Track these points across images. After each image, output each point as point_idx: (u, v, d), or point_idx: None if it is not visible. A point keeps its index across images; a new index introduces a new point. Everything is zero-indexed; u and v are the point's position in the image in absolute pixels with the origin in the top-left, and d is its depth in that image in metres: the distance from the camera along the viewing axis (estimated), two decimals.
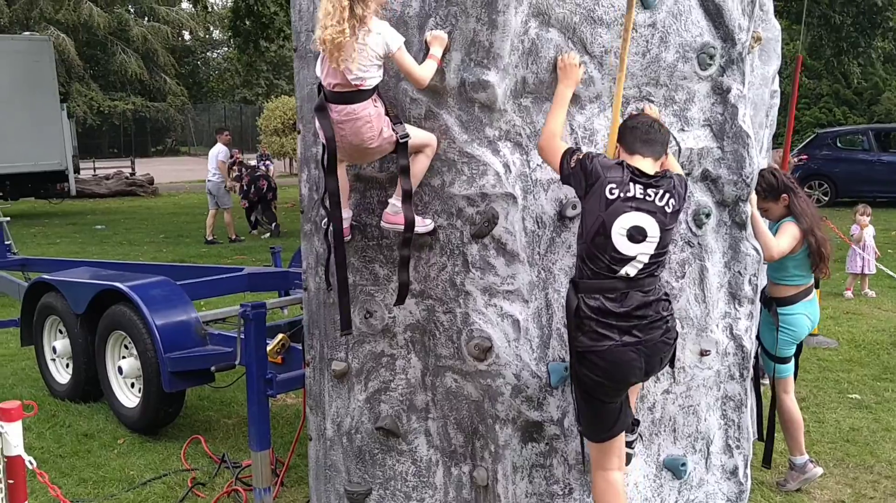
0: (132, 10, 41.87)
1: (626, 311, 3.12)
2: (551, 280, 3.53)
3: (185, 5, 36.56)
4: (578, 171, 3.18)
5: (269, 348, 4.54)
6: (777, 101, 4.74)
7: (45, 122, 18.01)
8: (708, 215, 3.89)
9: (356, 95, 3.25)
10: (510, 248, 3.43)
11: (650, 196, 3.15)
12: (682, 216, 3.81)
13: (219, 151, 13.70)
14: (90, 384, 5.66)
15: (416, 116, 3.50)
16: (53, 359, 6.01)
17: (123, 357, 5.35)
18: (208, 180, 13.98)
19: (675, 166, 3.48)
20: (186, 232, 15.35)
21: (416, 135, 3.40)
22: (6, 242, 8.70)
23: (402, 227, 3.38)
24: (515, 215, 3.45)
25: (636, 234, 3.12)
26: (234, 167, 15.03)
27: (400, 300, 3.48)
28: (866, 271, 9.20)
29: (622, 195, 3.12)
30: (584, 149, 3.39)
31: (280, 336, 4.74)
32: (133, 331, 5.10)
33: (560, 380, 3.48)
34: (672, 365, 3.46)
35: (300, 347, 4.45)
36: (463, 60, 3.42)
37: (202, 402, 5.92)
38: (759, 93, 4.41)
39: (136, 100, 40.84)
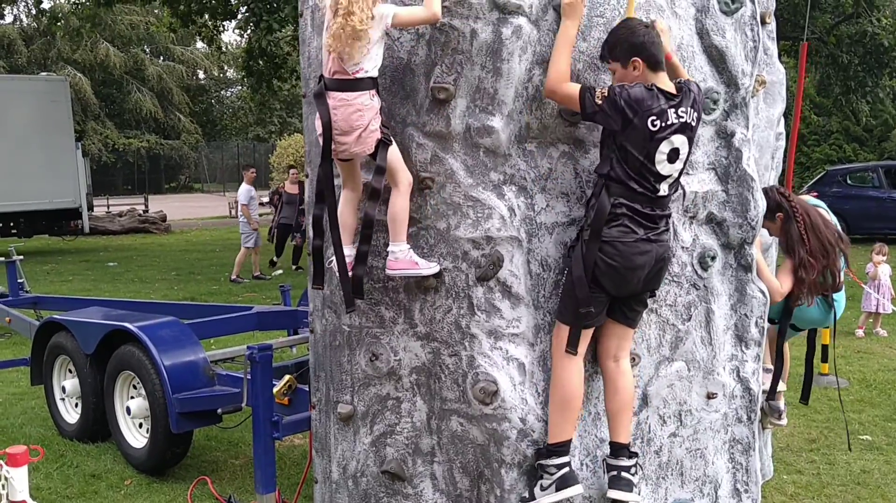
0: (148, 50, 42.52)
1: (651, 215, 3.37)
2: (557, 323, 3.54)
3: (199, 45, 37.09)
4: (608, 109, 3.26)
5: (275, 390, 4.55)
6: (783, 143, 4.77)
7: (60, 161, 18.24)
8: (713, 258, 3.90)
9: (355, 84, 3.30)
10: (515, 291, 3.45)
11: (682, 116, 3.33)
12: (687, 257, 3.83)
13: (243, 191, 13.59)
14: (98, 424, 5.67)
15: (423, 160, 3.54)
16: (63, 399, 6.03)
17: (132, 397, 5.36)
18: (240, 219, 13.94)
19: (680, 68, 3.61)
20: (198, 269, 15.43)
21: (396, 157, 3.40)
22: (19, 280, 8.78)
23: (409, 271, 3.41)
24: (520, 258, 3.47)
25: (673, 155, 3.35)
26: (274, 198, 15.23)
27: (356, 292, 3.47)
28: (881, 310, 9.16)
29: (663, 125, 3.29)
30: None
31: (287, 377, 4.75)
32: (142, 371, 5.12)
33: None
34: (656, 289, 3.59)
35: (307, 389, 4.46)
36: (468, 106, 3.47)
37: (210, 443, 5.92)
38: (764, 135, 4.45)
39: (151, 137, 41.32)
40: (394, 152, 3.41)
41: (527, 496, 3.45)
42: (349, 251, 3.52)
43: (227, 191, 38.95)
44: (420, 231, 3.57)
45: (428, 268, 3.47)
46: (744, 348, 4.01)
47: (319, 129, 3.37)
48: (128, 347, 5.25)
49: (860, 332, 9.13)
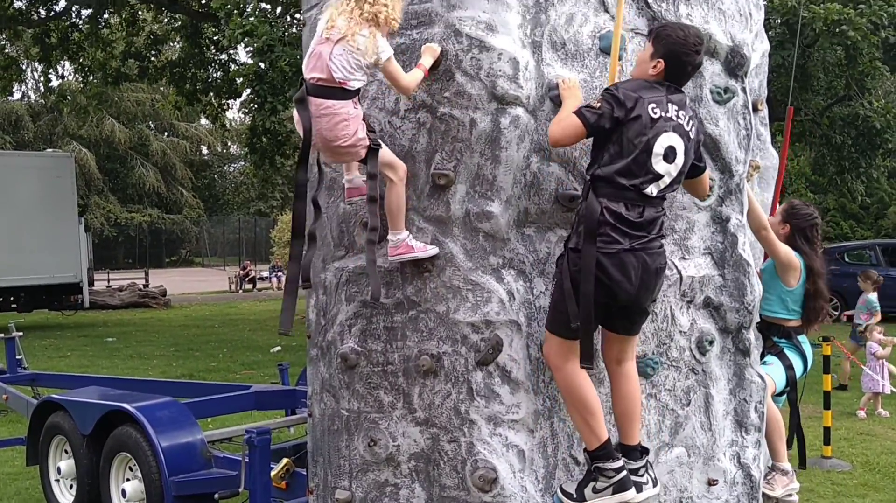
0: (153, 126, 43.17)
1: (639, 223, 3.29)
2: (556, 409, 3.53)
3: (203, 121, 37.68)
4: (609, 104, 3.27)
5: (273, 473, 4.50)
6: None
7: (62, 236, 18.34)
8: (711, 342, 3.92)
9: (337, 92, 3.30)
10: (515, 377, 3.46)
11: (680, 118, 3.35)
12: (685, 342, 3.85)
13: None
14: None
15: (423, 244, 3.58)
16: (58, 480, 5.95)
17: (127, 479, 5.29)
18: None
19: None
20: (196, 345, 15.37)
21: (387, 154, 3.44)
22: (17, 357, 8.75)
23: (407, 255, 3.44)
24: (520, 343, 3.49)
25: (669, 154, 3.31)
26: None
27: (374, 300, 3.52)
28: (884, 391, 9.10)
29: (663, 114, 3.30)
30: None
31: (285, 461, 4.71)
32: (138, 452, 5.07)
33: None
34: (653, 300, 3.53)
35: (305, 473, 4.42)
36: (468, 192, 3.54)
37: None
38: None
39: (153, 212, 41.64)
40: (384, 153, 3.42)
41: (572, 493, 3.37)
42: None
43: (228, 265, 39.05)
44: (419, 314, 3.59)
45: (425, 251, 3.48)
46: (744, 433, 4.00)
47: (301, 133, 3.38)
48: (125, 428, 5.21)
49: (862, 414, 9.06)
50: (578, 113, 3.29)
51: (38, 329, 18.18)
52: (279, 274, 29.87)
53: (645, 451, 3.50)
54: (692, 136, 3.40)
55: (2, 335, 8.88)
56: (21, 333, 8.91)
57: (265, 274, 30.59)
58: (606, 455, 3.33)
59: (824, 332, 9.93)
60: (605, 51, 3.62)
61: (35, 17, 17.55)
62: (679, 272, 3.84)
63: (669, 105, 3.33)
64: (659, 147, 3.29)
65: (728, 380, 4.00)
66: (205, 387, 7.32)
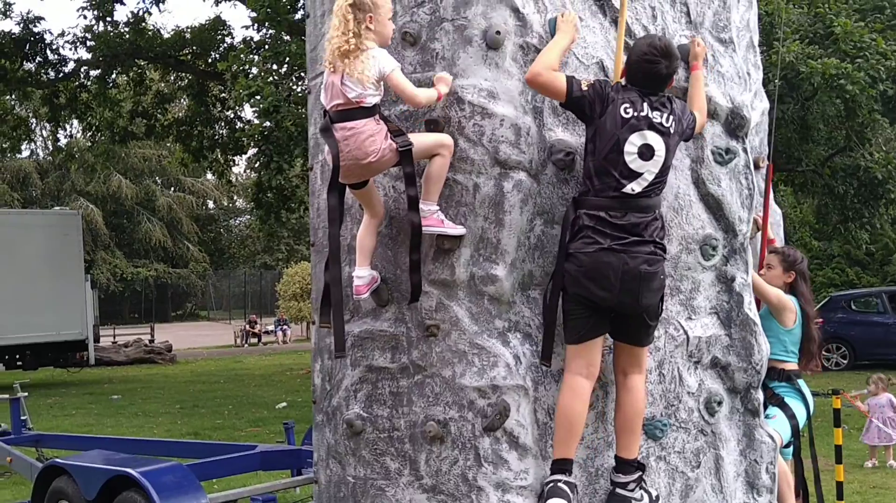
0: (159, 181, 43.52)
1: (621, 225, 3.36)
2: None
3: (209, 176, 38.02)
4: (592, 94, 3.41)
5: None
6: None
7: (69, 293, 18.36)
8: (720, 403, 3.89)
9: (358, 112, 3.38)
10: (523, 442, 3.44)
11: (657, 117, 3.43)
12: (694, 403, 3.82)
13: None
14: None
15: (428, 308, 3.59)
16: None
17: None
18: None
19: (699, 86, 3.79)
20: (202, 402, 15.29)
21: (424, 140, 3.48)
22: (22, 418, 8.71)
23: (435, 228, 3.46)
24: (527, 407, 3.48)
25: (646, 152, 3.39)
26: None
27: (413, 298, 3.54)
28: (889, 442, 8.97)
29: (636, 114, 3.40)
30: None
31: None
32: None
33: None
34: (658, 314, 3.55)
35: None
36: (472, 255, 3.56)
37: None
38: None
39: (159, 266, 41.73)
40: (418, 145, 3.45)
41: None
42: (364, 273, 3.58)
43: (233, 318, 39.01)
44: (425, 379, 3.59)
45: (454, 229, 3.50)
46: (756, 495, 3.95)
47: (331, 163, 3.45)
48: (130, 493, 5.16)
49: (871, 464, 8.94)
50: (569, 79, 3.42)
51: (42, 386, 18.11)
52: (284, 327, 29.81)
53: (640, 467, 3.50)
54: (673, 130, 3.49)
55: (7, 395, 8.86)
56: (26, 394, 8.88)
57: (270, 327, 30.53)
58: (559, 469, 3.38)
59: (834, 384, 9.86)
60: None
61: (44, 78, 17.82)
62: (685, 332, 3.83)
63: (644, 104, 3.44)
64: (630, 146, 3.39)
65: (738, 440, 3.97)
66: (210, 447, 7.27)
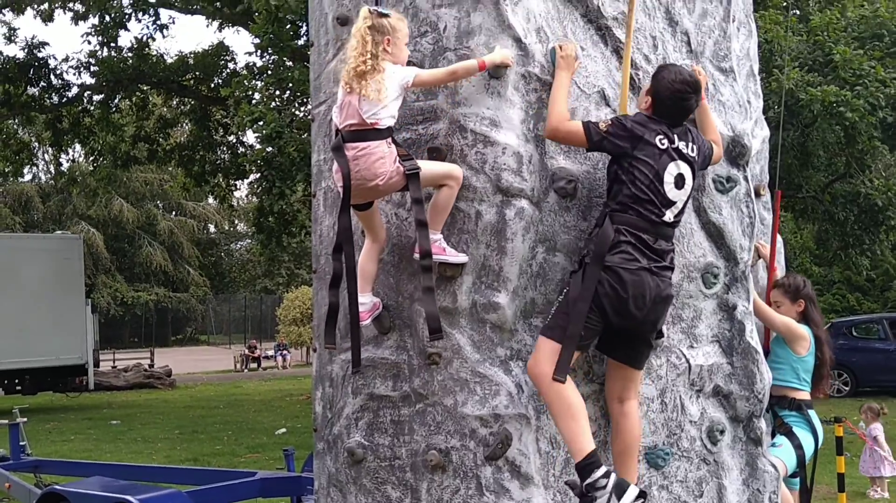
0: (160, 205, 43.62)
1: (655, 248, 3.42)
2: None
3: (211, 201, 38.11)
4: (617, 132, 3.44)
5: None
6: None
7: (69, 318, 18.34)
8: (722, 432, 3.88)
9: (371, 133, 3.39)
10: (525, 471, 3.42)
11: (683, 149, 3.51)
12: (696, 432, 3.80)
13: None
14: None
15: (429, 336, 3.58)
16: None
17: None
18: None
19: (709, 117, 3.86)
20: (201, 427, 15.22)
21: (433, 168, 3.49)
22: (21, 443, 8.67)
23: (438, 256, 3.45)
24: (529, 436, 3.46)
25: (679, 181, 3.47)
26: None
27: (433, 333, 3.43)
28: (885, 473, 8.89)
29: (669, 145, 3.47)
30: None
31: None
32: None
33: None
34: (660, 335, 3.63)
35: None
36: (474, 283, 3.56)
37: None
38: None
39: (160, 290, 41.71)
40: (426, 172, 3.45)
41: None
42: (365, 299, 3.58)
43: (233, 343, 38.92)
44: (427, 407, 3.57)
45: (456, 257, 3.50)
46: None
47: (340, 182, 3.45)
48: None
49: (875, 494, 8.87)
50: (585, 125, 3.46)
51: (42, 411, 18.03)
52: (284, 352, 29.73)
53: (642, 495, 3.40)
54: (697, 160, 3.58)
55: (6, 421, 8.83)
56: (25, 419, 8.85)
57: (270, 352, 30.46)
58: (592, 466, 3.26)
59: (836, 412, 9.81)
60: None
61: (48, 102, 17.93)
62: (687, 360, 3.83)
63: (675, 136, 3.52)
64: (668, 175, 3.46)
65: (741, 470, 3.95)
66: (209, 473, 7.23)
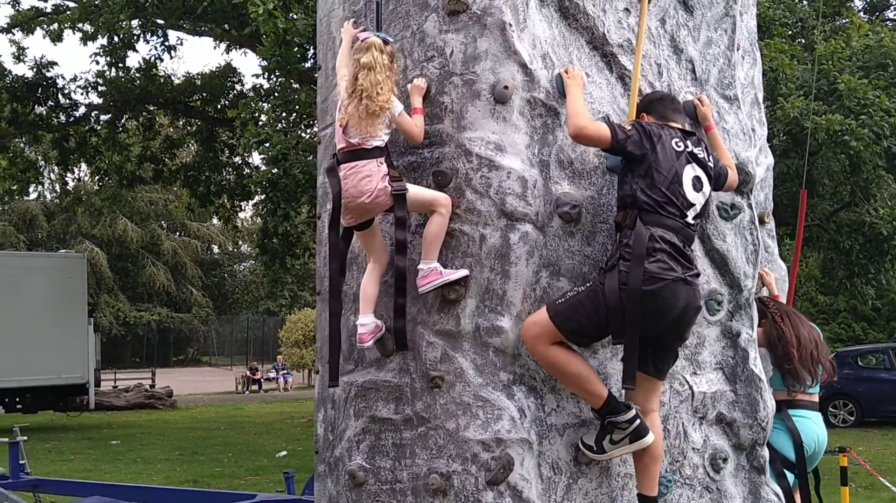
0: (164, 226, 43.70)
1: (686, 255, 3.42)
2: None
3: (215, 221, 38.20)
4: (639, 133, 3.47)
5: None
6: None
7: (71, 336, 18.33)
8: (725, 460, 3.86)
9: (360, 153, 3.48)
10: (526, 496, 3.40)
11: (697, 153, 3.56)
12: (699, 459, 3.78)
13: None
14: None
15: (432, 359, 3.58)
16: None
17: None
18: None
19: (721, 146, 3.89)
20: (202, 449, 15.15)
21: (421, 193, 3.54)
22: (21, 462, 8.64)
23: (437, 281, 3.47)
24: (531, 461, 3.44)
25: (696, 183, 3.51)
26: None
27: (399, 346, 3.57)
28: None
29: (685, 148, 3.52)
30: None
31: None
32: None
33: None
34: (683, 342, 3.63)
35: None
36: (478, 306, 3.55)
37: None
38: None
39: (162, 311, 41.69)
40: (414, 194, 3.50)
41: (592, 446, 3.43)
42: (367, 320, 3.59)
43: (235, 364, 38.83)
44: (429, 431, 3.56)
45: (455, 273, 3.50)
46: None
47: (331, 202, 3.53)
48: None
49: None
50: (610, 125, 3.50)
51: (41, 430, 17.98)
52: (285, 373, 29.64)
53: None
54: (712, 166, 3.62)
55: (6, 439, 8.79)
56: (25, 437, 8.82)
57: (272, 374, 30.38)
58: (614, 409, 3.38)
59: (841, 442, 9.74)
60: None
61: (55, 122, 18.02)
62: (691, 387, 3.82)
63: (687, 141, 3.56)
64: (687, 177, 3.50)
65: (744, 498, 3.92)
66: (209, 495, 7.19)
